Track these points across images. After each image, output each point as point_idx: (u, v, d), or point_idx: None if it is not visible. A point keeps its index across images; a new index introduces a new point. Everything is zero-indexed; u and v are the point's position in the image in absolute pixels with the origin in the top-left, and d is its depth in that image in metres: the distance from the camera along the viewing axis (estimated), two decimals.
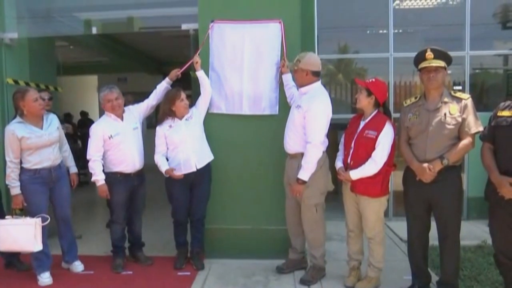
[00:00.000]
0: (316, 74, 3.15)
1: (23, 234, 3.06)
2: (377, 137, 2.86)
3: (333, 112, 3.19)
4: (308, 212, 3.20)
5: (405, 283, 3.07)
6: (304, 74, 3.12)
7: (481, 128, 2.63)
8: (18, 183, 3.18)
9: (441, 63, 2.69)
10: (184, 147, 3.40)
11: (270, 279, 3.33)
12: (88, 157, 3.40)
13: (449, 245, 2.76)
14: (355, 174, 2.90)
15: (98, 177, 3.39)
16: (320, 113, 3.05)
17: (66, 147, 3.56)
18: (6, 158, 3.18)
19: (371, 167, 2.86)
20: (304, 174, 3.06)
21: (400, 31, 5.11)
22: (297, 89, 3.33)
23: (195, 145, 3.43)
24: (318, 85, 3.17)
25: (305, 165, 3.05)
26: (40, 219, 3.12)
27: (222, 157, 3.66)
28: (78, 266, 3.56)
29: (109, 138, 3.38)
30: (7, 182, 3.20)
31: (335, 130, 3.08)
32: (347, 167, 2.98)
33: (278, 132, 3.36)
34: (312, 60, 3.14)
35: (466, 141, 2.64)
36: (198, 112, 3.55)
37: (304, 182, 3.06)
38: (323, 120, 3.07)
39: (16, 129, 3.15)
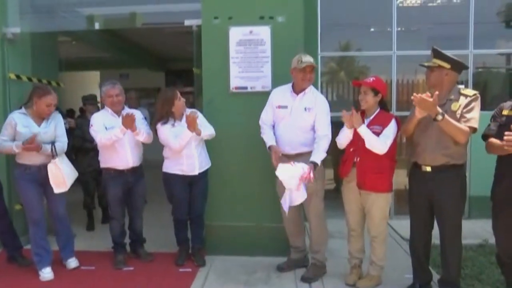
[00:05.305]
0: None
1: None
2: (382, 130, 2.88)
3: (336, 110, 3.23)
4: (320, 204, 3.24)
5: (406, 281, 3.07)
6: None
7: (475, 125, 2.59)
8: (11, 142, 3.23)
9: (436, 63, 2.71)
10: (189, 149, 3.39)
11: (272, 276, 3.34)
12: (98, 140, 3.35)
13: (449, 244, 2.76)
14: (366, 131, 2.85)
15: (118, 129, 3.29)
16: (327, 108, 3.19)
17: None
18: (0, 137, 3.25)
19: (380, 142, 2.83)
20: (319, 159, 3.07)
21: (404, 29, 5.08)
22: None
23: (199, 149, 3.44)
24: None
25: (322, 153, 3.09)
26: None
27: (224, 154, 3.65)
28: (71, 263, 3.52)
29: (105, 129, 3.38)
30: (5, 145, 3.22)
31: (338, 128, 3.08)
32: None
33: None
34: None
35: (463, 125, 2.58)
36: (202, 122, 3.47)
37: (316, 166, 3.04)
38: (329, 115, 3.20)
39: (17, 119, 3.23)
